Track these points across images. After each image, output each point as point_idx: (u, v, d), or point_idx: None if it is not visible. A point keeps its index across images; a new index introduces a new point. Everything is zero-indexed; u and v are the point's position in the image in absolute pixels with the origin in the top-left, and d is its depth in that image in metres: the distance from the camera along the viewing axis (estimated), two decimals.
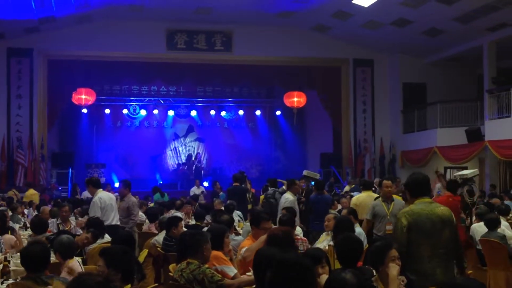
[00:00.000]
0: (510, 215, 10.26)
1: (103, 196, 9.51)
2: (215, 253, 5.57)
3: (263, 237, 6.02)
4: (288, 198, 10.82)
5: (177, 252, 6.28)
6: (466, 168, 17.32)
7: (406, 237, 5.00)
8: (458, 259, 5.22)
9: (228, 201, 12.59)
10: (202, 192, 18.24)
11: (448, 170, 20.60)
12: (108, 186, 18.12)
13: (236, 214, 11.18)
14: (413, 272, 4.91)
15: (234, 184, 13.93)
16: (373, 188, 11.45)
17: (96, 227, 8.08)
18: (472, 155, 17.76)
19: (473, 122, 18.72)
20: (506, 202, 12.53)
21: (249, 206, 13.51)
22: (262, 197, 15.95)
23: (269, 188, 14.10)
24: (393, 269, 4.49)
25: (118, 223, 9.66)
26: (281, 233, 5.36)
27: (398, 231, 5.07)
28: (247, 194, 14.03)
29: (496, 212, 9.38)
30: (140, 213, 12.95)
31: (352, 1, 17.19)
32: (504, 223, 8.97)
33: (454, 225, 5.12)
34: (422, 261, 4.96)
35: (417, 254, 4.97)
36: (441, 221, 5.02)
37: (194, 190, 18.25)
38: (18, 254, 5.89)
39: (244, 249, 6.12)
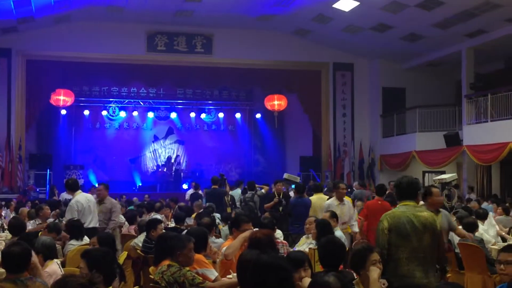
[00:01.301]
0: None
1: (80, 199, 9.31)
2: (196, 256, 5.56)
3: (243, 234, 6.04)
4: (332, 203, 10.00)
5: (154, 254, 6.27)
6: (444, 173, 17.54)
7: (386, 239, 5.03)
8: (439, 264, 5.26)
9: (207, 204, 12.60)
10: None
11: (427, 174, 20.82)
12: (93, 188, 18.01)
13: (216, 217, 11.17)
14: (393, 274, 4.94)
15: (212, 187, 13.93)
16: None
17: (75, 229, 8.03)
18: (450, 160, 17.95)
19: (452, 127, 18.91)
20: (484, 205, 12.67)
21: (228, 210, 13.48)
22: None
23: (248, 191, 14.14)
24: (374, 272, 4.52)
25: (97, 225, 9.55)
26: (262, 236, 5.36)
27: (379, 232, 5.10)
28: (225, 197, 14.01)
29: (474, 216, 9.49)
30: (120, 215, 12.91)
31: (333, 6, 17.28)
32: (482, 227, 9.09)
33: (437, 231, 5.12)
34: (400, 263, 4.98)
35: (396, 256, 5.00)
36: (422, 225, 5.03)
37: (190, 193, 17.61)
38: None
39: (224, 248, 6.13)
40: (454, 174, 14.72)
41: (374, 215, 8.97)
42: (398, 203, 5.37)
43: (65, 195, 14.66)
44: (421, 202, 6.93)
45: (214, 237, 7.97)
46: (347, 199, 9.51)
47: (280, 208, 11.93)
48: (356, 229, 9.40)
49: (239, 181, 17.39)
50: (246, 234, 5.97)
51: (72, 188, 9.52)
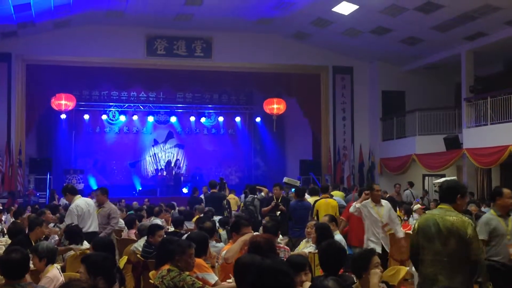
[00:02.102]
0: None
1: (80, 203, 9.28)
2: (196, 260, 5.55)
3: (242, 238, 6.03)
4: (367, 204, 9.43)
5: (155, 258, 6.26)
6: (444, 176, 17.53)
7: (416, 240, 5.17)
8: (472, 274, 5.11)
9: (207, 208, 12.59)
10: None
11: (427, 177, 20.80)
12: (93, 193, 18.00)
13: (216, 221, 11.15)
14: (420, 275, 5.14)
15: (211, 191, 13.92)
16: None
17: (74, 234, 8.02)
18: (450, 163, 17.92)
19: (451, 130, 18.90)
20: (484, 209, 12.65)
21: (225, 213, 13.46)
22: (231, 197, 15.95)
23: (248, 194, 14.14)
24: (375, 276, 4.55)
25: (97, 229, 9.52)
26: (263, 240, 5.36)
27: (412, 233, 5.28)
28: (223, 201, 13.99)
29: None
30: (120, 219, 12.90)
31: (332, 9, 17.29)
32: None
33: (466, 238, 4.96)
34: (425, 265, 5.10)
35: (422, 257, 5.13)
36: (447, 229, 5.01)
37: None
38: None
39: (224, 252, 6.13)
40: (454, 177, 14.72)
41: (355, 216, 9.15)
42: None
43: (65, 200, 14.63)
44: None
45: (214, 241, 7.96)
46: (384, 201, 9.34)
47: (278, 213, 11.88)
48: (401, 234, 9.18)
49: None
50: (246, 237, 5.96)
51: (71, 192, 9.46)
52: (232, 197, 15.82)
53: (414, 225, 5.26)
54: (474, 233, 5.03)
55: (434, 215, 5.15)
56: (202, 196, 15.67)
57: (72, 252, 7.78)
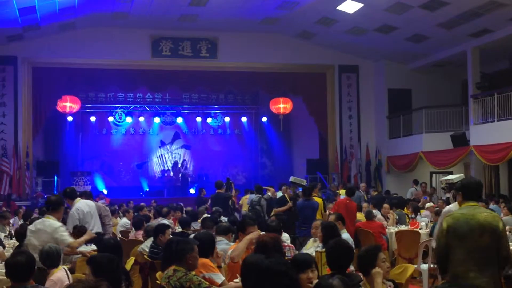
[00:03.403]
0: None
1: (81, 206, 9.12)
2: (202, 260, 5.54)
3: (248, 236, 6.02)
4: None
5: (162, 259, 6.25)
6: (451, 173, 17.47)
7: (444, 240, 5.09)
8: (502, 266, 5.17)
9: (214, 208, 12.59)
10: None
11: (434, 175, 20.73)
12: (101, 195, 18.08)
13: (223, 221, 11.15)
14: (449, 274, 5.05)
15: (217, 191, 13.91)
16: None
17: (82, 235, 8.02)
18: (458, 160, 17.85)
19: (458, 127, 18.83)
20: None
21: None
22: (245, 198, 15.95)
23: (255, 194, 14.12)
24: (378, 275, 4.55)
25: (100, 230, 9.41)
26: (269, 240, 5.35)
27: (438, 234, 5.19)
28: (229, 201, 13.99)
29: None
30: (126, 220, 12.93)
31: (337, 8, 17.25)
32: None
33: (498, 232, 5.02)
34: (455, 263, 5.04)
35: (452, 257, 5.05)
36: (481, 226, 5.01)
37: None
38: (3, 264, 5.84)
39: (230, 251, 6.12)
40: (461, 174, 14.66)
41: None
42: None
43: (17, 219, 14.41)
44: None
45: (227, 240, 7.94)
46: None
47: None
48: None
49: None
50: (252, 236, 5.96)
51: (71, 196, 9.28)
52: (246, 198, 15.80)
53: (439, 227, 5.21)
54: (504, 228, 5.12)
55: (464, 214, 5.12)
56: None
57: (79, 255, 7.80)
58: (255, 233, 6.04)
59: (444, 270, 5.11)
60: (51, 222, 6.82)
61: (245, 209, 14.72)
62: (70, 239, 6.90)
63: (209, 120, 25.94)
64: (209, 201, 14.37)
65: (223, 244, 6.93)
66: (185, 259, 5.26)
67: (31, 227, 6.92)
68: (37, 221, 7.03)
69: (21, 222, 12.71)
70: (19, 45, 19.20)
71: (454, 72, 20.88)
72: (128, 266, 7.11)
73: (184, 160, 25.47)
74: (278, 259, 3.47)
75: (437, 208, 12.14)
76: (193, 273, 5.22)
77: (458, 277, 4.99)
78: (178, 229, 10.60)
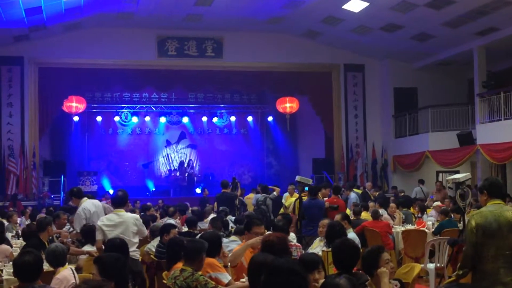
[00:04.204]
0: None
1: (88, 206, 9.07)
2: (209, 260, 5.55)
3: (248, 242, 6.02)
4: None
5: (167, 257, 6.26)
6: (458, 172, 17.39)
7: (474, 238, 5.13)
8: None
9: (220, 208, 12.60)
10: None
11: (440, 174, 20.69)
12: (107, 195, 18.08)
13: (229, 220, 11.17)
14: (477, 272, 5.11)
15: (222, 191, 13.90)
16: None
17: (91, 233, 8.06)
18: (464, 159, 17.81)
19: (465, 126, 18.79)
20: None
21: (237, 213, 13.45)
22: (250, 195, 15.91)
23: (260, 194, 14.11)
24: (385, 275, 4.55)
25: None
26: (276, 239, 5.34)
27: (468, 232, 5.20)
28: (235, 201, 13.97)
29: None
30: None
31: (342, 7, 17.23)
32: None
33: None
34: (485, 261, 5.08)
35: (482, 254, 5.10)
36: (509, 223, 5.09)
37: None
38: (11, 263, 5.86)
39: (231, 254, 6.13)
40: (468, 173, 14.58)
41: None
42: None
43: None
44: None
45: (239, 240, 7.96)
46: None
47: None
48: None
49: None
50: (252, 241, 5.94)
51: (77, 196, 9.27)
52: (249, 197, 15.79)
53: (467, 225, 5.25)
54: None
55: (492, 211, 5.17)
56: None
57: (85, 256, 7.83)
58: (255, 240, 6.01)
59: (470, 267, 5.16)
60: (130, 214, 7.87)
61: (249, 209, 14.70)
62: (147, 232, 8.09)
63: (215, 119, 25.93)
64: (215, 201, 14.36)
65: (234, 244, 6.93)
66: (198, 259, 5.28)
67: (106, 222, 7.53)
68: (111, 215, 7.70)
69: (28, 222, 12.74)
70: (26, 45, 19.25)
71: (460, 71, 20.83)
72: None
73: (190, 160, 25.48)
74: (288, 258, 3.47)
75: (444, 208, 12.11)
76: (200, 273, 5.23)
77: (487, 274, 5.06)
78: (185, 229, 10.62)
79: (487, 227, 5.09)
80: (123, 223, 7.50)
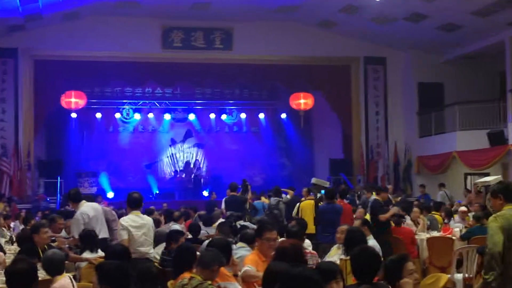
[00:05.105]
0: None
1: (86, 210, 9.02)
2: None
3: (255, 275, 5.95)
4: None
5: (174, 265, 6.24)
6: (488, 175, 17.30)
7: (502, 237, 5.22)
8: None
9: (228, 213, 12.58)
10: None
11: (469, 176, 20.57)
12: (100, 197, 18.07)
13: (239, 224, 11.16)
14: (501, 275, 5.19)
15: (230, 194, 13.88)
16: None
17: (90, 239, 8.06)
18: (495, 160, 17.73)
19: (496, 124, 18.67)
20: None
21: (247, 218, 13.44)
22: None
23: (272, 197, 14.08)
24: (408, 286, 4.53)
25: (107, 235, 9.35)
26: (290, 246, 5.34)
27: (493, 232, 5.26)
28: (245, 205, 13.96)
29: None
30: None
31: None
32: None
33: None
34: (509, 265, 5.19)
35: (505, 258, 5.20)
36: None
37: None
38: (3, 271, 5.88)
39: (244, 268, 6.07)
40: (499, 176, 14.52)
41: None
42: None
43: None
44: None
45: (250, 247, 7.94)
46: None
47: None
48: None
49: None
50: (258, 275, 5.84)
51: (74, 199, 9.24)
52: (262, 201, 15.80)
53: (490, 226, 5.31)
54: None
55: None
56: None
57: (85, 263, 7.85)
58: (251, 272, 5.97)
59: (499, 269, 5.21)
60: (147, 216, 8.41)
61: None
62: None
63: (223, 116, 25.92)
64: (222, 204, 14.36)
65: (243, 250, 6.92)
66: (211, 268, 5.29)
67: (131, 222, 7.95)
68: (132, 216, 8.05)
69: (22, 226, 12.78)
70: (20, 36, 19.32)
71: (490, 64, 20.71)
72: None
73: (196, 160, 25.48)
74: (304, 267, 3.46)
75: (473, 213, 12.03)
76: (209, 282, 5.24)
77: None
78: (189, 235, 10.61)
79: (510, 230, 5.21)
80: (145, 225, 8.03)
